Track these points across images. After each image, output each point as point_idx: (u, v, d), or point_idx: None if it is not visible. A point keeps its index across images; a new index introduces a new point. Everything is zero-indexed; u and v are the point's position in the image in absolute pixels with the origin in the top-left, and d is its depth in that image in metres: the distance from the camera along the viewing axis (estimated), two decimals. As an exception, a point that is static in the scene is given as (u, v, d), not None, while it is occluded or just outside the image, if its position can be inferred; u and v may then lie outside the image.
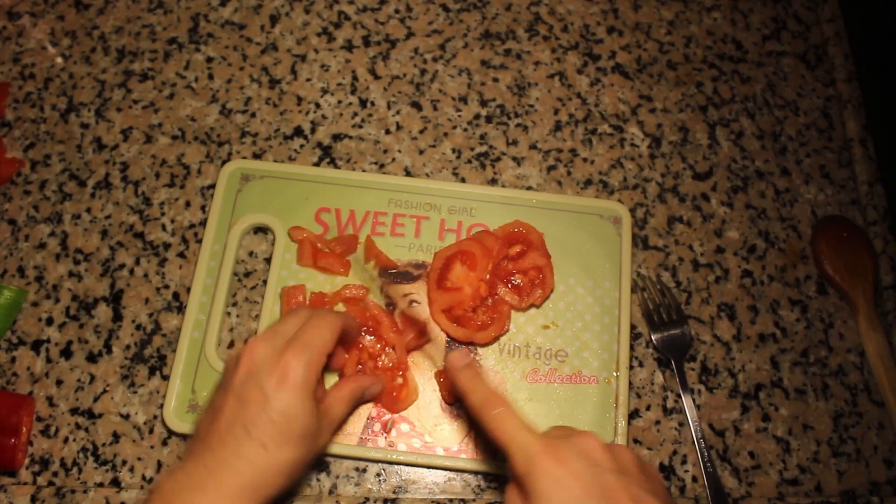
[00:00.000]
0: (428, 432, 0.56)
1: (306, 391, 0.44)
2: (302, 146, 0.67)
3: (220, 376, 0.48)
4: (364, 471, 0.57)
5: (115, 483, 0.56)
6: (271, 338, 0.46)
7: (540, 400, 0.58)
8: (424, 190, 0.64)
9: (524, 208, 0.64)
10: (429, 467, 0.57)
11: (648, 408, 0.59)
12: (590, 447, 0.39)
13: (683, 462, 0.58)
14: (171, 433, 0.57)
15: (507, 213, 0.64)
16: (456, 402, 0.57)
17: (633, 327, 0.62)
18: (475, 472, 0.57)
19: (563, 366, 0.59)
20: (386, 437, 0.56)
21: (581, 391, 0.58)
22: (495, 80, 0.71)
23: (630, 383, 0.60)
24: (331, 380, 0.56)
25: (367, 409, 0.57)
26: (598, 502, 0.37)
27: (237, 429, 0.43)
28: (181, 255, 0.63)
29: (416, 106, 0.70)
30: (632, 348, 0.61)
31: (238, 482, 0.41)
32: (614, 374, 0.58)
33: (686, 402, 0.58)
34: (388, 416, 0.57)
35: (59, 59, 0.72)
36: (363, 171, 0.67)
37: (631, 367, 0.60)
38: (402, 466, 0.57)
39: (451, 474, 0.57)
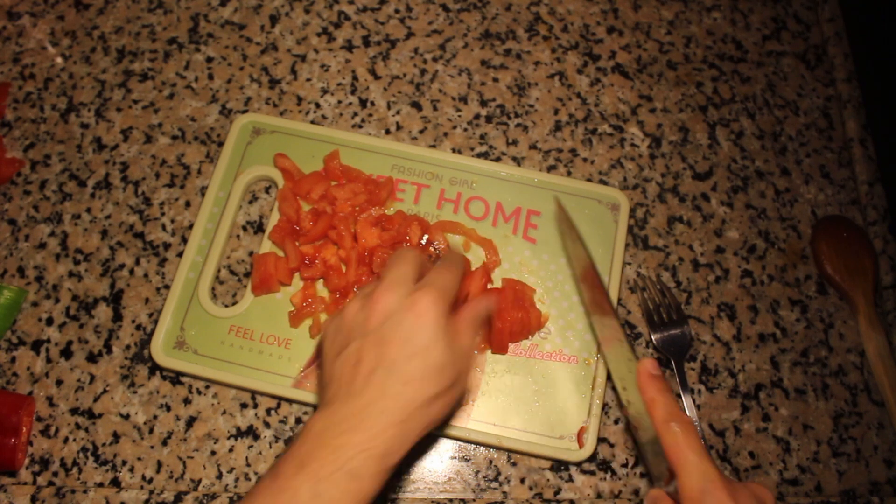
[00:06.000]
0: None
1: (440, 327, 0.46)
2: (302, 146, 0.68)
3: (344, 326, 0.48)
4: (364, 471, 0.57)
5: (115, 483, 0.56)
6: (397, 285, 0.47)
7: (518, 373, 0.58)
8: (428, 159, 0.65)
9: (525, 186, 0.64)
10: None
11: (648, 408, 0.59)
12: (765, 497, 0.40)
13: (683, 462, 0.58)
14: (156, 368, 0.59)
15: (507, 189, 0.64)
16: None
17: (633, 327, 0.62)
18: (444, 436, 0.57)
19: (544, 342, 0.59)
20: None
21: (560, 369, 0.58)
22: (495, 80, 0.71)
23: (630, 383, 0.60)
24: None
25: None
26: None
27: (380, 371, 0.44)
28: (181, 255, 0.63)
29: (416, 106, 0.70)
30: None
31: (385, 419, 0.43)
32: (595, 356, 0.59)
33: (686, 402, 0.58)
34: None
35: (59, 59, 0.72)
36: (369, 134, 0.68)
37: (631, 367, 0.61)
38: (400, 464, 0.57)
39: (452, 474, 0.57)
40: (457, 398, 0.48)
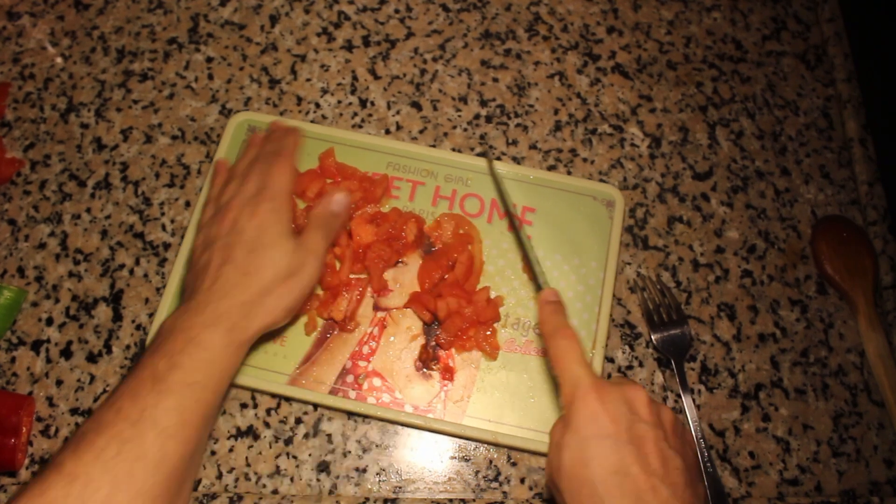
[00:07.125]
0: (399, 389, 0.57)
1: (280, 232, 0.50)
2: (302, 146, 0.68)
3: (199, 244, 0.53)
4: (364, 471, 0.57)
5: (115, 483, 0.56)
6: (243, 198, 0.52)
7: (513, 370, 0.58)
8: (423, 157, 0.65)
9: (520, 183, 0.64)
10: (395, 422, 0.58)
11: (648, 408, 0.59)
12: (634, 396, 0.41)
13: (683, 462, 0.58)
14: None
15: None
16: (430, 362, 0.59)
17: (633, 327, 0.62)
18: (440, 433, 0.58)
19: (539, 338, 0.59)
20: (357, 391, 0.57)
21: None
22: (495, 80, 0.71)
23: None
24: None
25: (341, 361, 0.58)
26: (625, 445, 0.39)
27: (223, 267, 0.49)
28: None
29: (416, 106, 0.70)
30: (631, 348, 0.61)
31: (228, 301, 0.47)
32: (590, 352, 0.59)
33: (686, 402, 0.58)
34: (361, 369, 0.58)
35: (59, 59, 0.72)
36: (368, 134, 0.68)
37: (630, 367, 0.61)
38: (400, 464, 0.57)
39: (452, 474, 0.57)
40: (300, 288, 0.51)
